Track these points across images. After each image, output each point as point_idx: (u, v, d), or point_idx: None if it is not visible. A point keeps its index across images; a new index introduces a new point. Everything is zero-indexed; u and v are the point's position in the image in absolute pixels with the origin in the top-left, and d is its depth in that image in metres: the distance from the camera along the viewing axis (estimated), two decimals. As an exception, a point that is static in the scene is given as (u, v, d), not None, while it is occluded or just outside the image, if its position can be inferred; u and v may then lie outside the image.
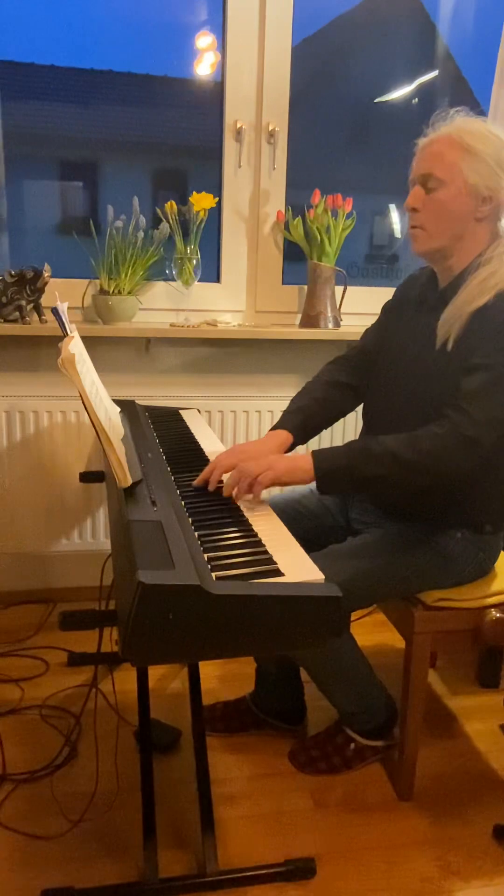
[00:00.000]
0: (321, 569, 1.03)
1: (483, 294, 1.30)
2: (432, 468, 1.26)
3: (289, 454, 1.37)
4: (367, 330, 1.65)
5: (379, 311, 1.63)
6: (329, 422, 1.61)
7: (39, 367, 2.15)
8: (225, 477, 1.34)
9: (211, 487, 1.34)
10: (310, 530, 1.55)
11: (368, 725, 1.58)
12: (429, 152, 1.35)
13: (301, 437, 1.54)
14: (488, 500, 1.41)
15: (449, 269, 1.40)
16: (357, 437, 1.61)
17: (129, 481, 1.20)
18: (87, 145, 2.70)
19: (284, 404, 2.23)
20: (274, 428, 1.53)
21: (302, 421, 1.54)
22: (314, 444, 2.20)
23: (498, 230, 1.36)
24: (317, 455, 1.32)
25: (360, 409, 1.63)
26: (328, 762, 1.58)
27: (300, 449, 1.56)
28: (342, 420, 1.75)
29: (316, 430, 1.58)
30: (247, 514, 1.26)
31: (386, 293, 1.63)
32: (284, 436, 1.50)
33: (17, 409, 2.09)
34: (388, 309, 1.61)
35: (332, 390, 1.60)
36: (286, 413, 1.57)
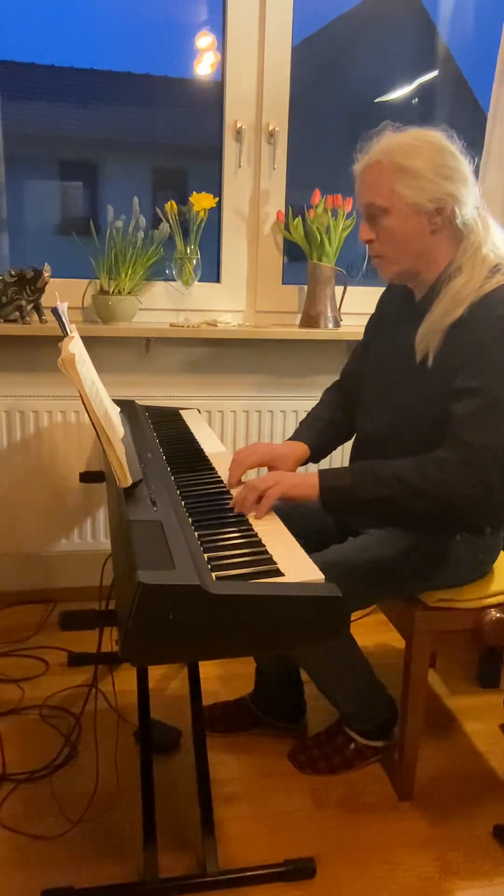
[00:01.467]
0: (321, 569, 1.03)
1: (457, 307, 1.29)
2: (438, 494, 1.26)
3: (295, 472, 1.39)
4: (354, 349, 1.67)
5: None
6: (337, 444, 1.64)
7: (39, 367, 2.15)
8: (233, 491, 1.36)
9: (233, 483, 1.38)
10: (310, 530, 1.55)
11: (368, 725, 1.58)
12: (364, 182, 1.34)
13: (316, 454, 1.57)
14: (466, 514, 1.41)
15: (422, 283, 1.39)
16: (350, 454, 1.62)
17: (129, 481, 1.20)
18: (87, 145, 2.71)
19: (284, 404, 2.25)
20: (291, 439, 1.55)
21: (318, 439, 1.57)
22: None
23: (459, 232, 1.33)
24: (323, 474, 1.33)
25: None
26: (328, 762, 1.58)
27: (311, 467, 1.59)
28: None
29: (327, 451, 1.62)
30: (247, 514, 1.26)
31: (386, 293, 1.63)
32: (304, 448, 1.54)
33: (17, 409, 2.09)
34: (370, 327, 1.62)
35: (338, 413, 1.64)
36: (300, 430, 1.60)
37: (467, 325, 1.28)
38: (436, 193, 1.28)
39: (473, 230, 1.33)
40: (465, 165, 1.31)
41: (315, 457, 1.57)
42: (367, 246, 1.39)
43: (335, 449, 1.65)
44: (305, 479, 1.32)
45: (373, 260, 1.40)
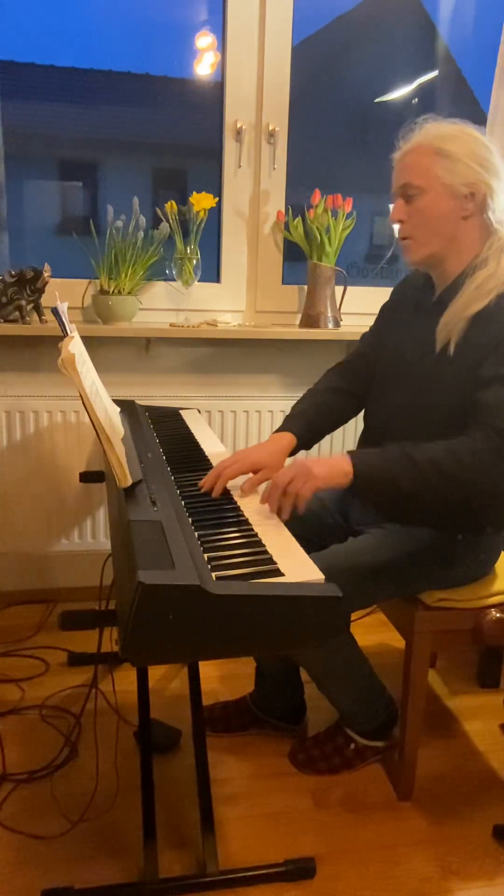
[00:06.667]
0: (321, 569, 1.03)
1: (481, 297, 1.30)
2: (472, 481, 1.24)
3: (319, 458, 1.32)
4: (364, 334, 1.65)
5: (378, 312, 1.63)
6: (331, 427, 1.61)
7: (39, 367, 2.15)
8: (262, 487, 1.32)
9: (216, 494, 1.32)
10: (310, 530, 1.55)
11: (368, 726, 1.58)
12: (403, 164, 1.36)
13: (305, 441, 1.53)
14: (489, 503, 1.41)
15: (445, 273, 1.40)
16: (358, 442, 1.61)
17: (129, 481, 1.20)
18: (87, 145, 2.71)
19: (284, 404, 2.25)
20: (277, 431, 1.53)
21: (306, 425, 1.54)
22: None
23: (488, 225, 1.35)
24: (355, 457, 1.29)
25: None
26: (328, 762, 1.58)
27: (303, 454, 1.55)
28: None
29: (319, 436, 1.58)
30: (247, 514, 1.26)
31: (386, 293, 1.63)
32: (289, 438, 1.50)
33: (17, 409, 2.09)
34: (385, 311, 1.61)
35: (334, 396, 1.60)
36: (289, 417, 1.56)
37: (492, 316, 1.28)
38: (470, 178, 1.30)
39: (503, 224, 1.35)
40: (499, 161, 1.33)
41: (305, 443, 1.54)
42: (397, 227, 1.39)
43: (328, 434, 1.61)
44: (337, 467, 1.27)
45: (401, 242, 1.40)
